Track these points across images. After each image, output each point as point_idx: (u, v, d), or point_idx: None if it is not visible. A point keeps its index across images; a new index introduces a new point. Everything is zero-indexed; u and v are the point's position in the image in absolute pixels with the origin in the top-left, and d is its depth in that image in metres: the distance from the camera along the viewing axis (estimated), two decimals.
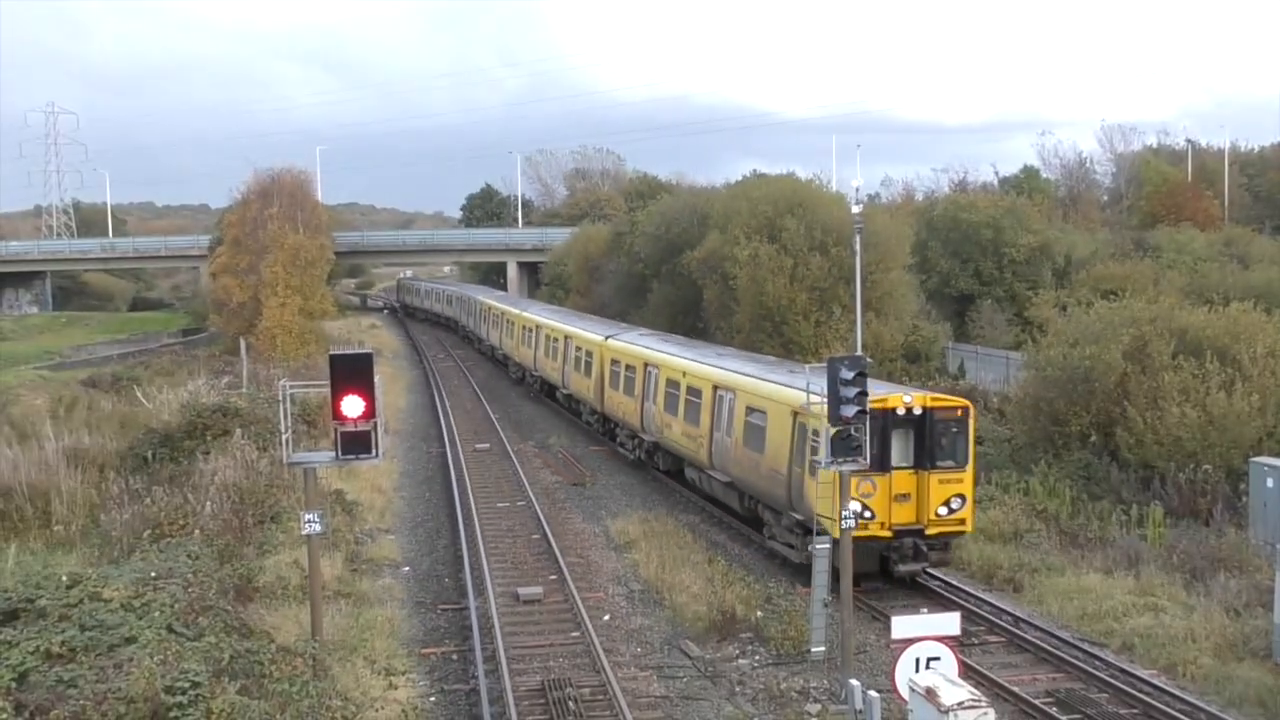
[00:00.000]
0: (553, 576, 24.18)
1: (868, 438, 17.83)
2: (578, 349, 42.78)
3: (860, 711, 14.69)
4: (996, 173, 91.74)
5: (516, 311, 58.39)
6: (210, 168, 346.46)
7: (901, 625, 15.37)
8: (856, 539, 18.55)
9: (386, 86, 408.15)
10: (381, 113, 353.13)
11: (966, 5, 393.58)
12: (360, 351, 16.71)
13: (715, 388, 28.18)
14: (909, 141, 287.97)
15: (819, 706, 17.51)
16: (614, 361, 37.68)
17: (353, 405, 15.59)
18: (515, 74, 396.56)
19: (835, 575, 18.39)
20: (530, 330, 52.55)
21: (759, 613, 21.17)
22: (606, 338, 39.65)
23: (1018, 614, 21.31)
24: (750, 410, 25.91)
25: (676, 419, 30.77)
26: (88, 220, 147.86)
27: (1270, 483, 24.65)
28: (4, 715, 12.93)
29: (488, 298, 73.36)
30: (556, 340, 46.35)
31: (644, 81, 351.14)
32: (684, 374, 30.70)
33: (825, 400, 17.39)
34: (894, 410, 21.91)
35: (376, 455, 16.09)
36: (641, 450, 34.63)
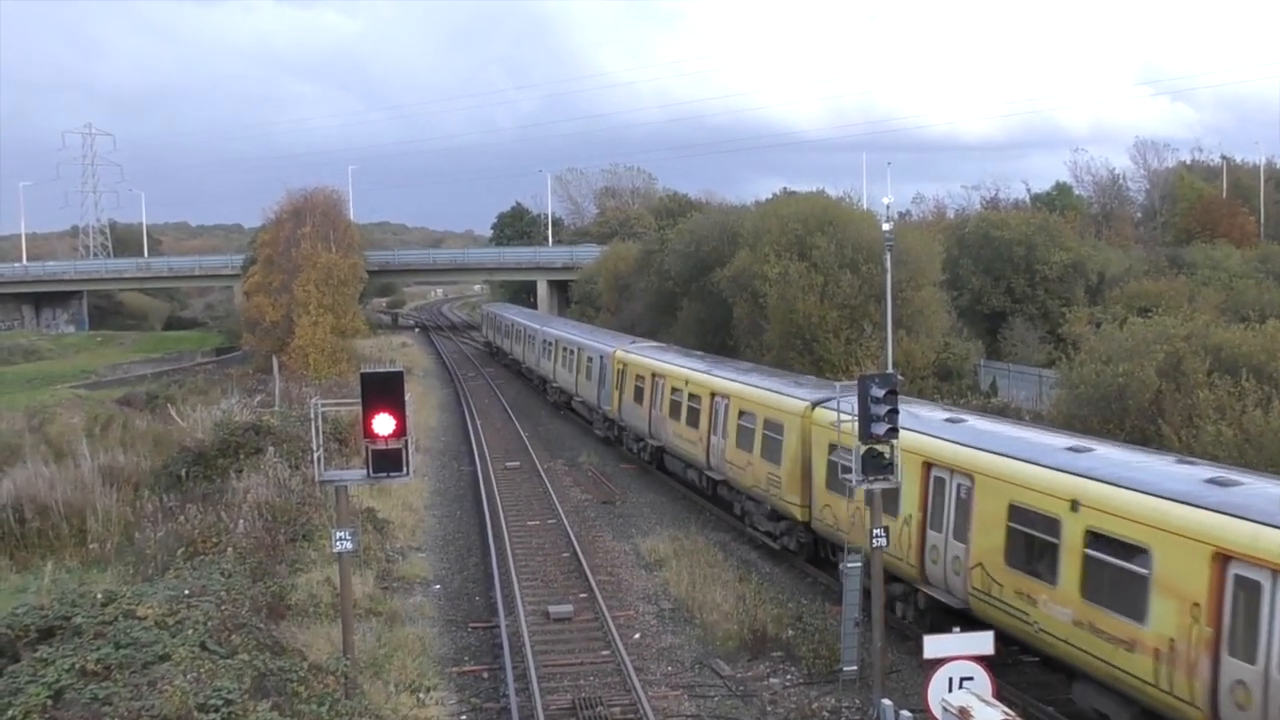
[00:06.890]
0: (583, 594, 24.16)
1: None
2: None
3: None
4: (1028, 190, 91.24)
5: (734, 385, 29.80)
6: (242, 188, 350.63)
7: (934, 644, 15.22)
8: None
9: (404, 108, 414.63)
10: (401, 133, 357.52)
11: (983, 21, 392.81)
12: (391, 370, 16.76)
13: None
14: (932, 159, 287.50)
15: None
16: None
17: (384, 423, 15.64)
18: (529, 95, 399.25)
19: (866, 594, 18.30)
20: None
21: (790, 631, 21.08)
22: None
23: None
24: None
25: None
26: (123, 240, 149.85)
27: None
28: None
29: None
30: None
31: (658, 102, 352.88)
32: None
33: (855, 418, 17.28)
34: None
35: (407, 473, 16.14)
36: None
